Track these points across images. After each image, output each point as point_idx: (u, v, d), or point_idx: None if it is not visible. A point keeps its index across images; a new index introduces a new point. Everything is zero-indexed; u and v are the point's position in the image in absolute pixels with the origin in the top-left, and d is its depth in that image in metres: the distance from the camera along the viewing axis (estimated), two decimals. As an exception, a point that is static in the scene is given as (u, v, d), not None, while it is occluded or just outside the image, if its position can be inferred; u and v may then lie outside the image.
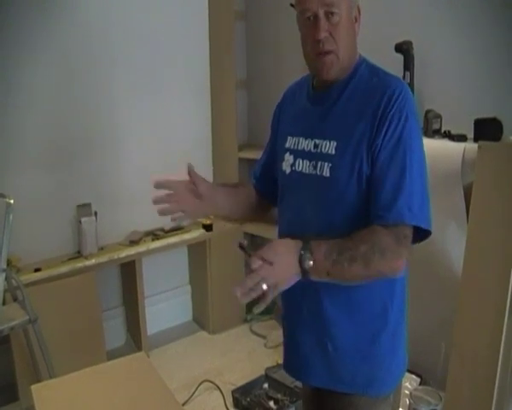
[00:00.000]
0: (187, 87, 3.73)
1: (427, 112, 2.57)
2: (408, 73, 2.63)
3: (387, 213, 1.31)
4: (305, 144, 1.49)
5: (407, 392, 2.62)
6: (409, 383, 2.69)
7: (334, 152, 1.41)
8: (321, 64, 1.42)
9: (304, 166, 1.49)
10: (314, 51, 1.41)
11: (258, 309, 1.23)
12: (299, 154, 1.51)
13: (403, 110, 1.34)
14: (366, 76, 1.44)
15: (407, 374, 2.70)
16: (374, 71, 1.46)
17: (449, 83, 2.65)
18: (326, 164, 1.41)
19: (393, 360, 1.53)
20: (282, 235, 1.57)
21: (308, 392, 1.66)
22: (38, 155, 3.14)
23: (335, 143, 1.41)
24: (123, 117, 3.45)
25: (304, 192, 1.49)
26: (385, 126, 1.33)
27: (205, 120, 3.87)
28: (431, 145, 2.44)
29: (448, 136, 2.51)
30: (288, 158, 1.54)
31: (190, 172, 1.54)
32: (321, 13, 1.36)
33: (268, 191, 1.73)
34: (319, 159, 1.44)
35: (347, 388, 1.50)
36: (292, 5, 1.44)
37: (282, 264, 1.24)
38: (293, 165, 1.53)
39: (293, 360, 1.62)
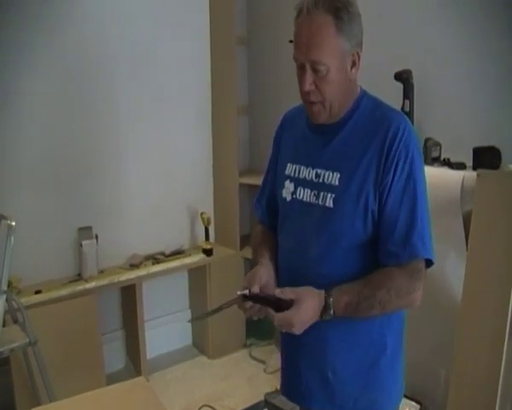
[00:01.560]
0: (188, 112, 3.78)
1: (427, 140, 2.60)
2: (407, 102, 2.67)
3: (402, 251, 1.36)
4: (306, 173, 1.49)
5: (407, 419, 2.61)
6: (408, 409, 2.67)
7: (337, 183, 1.41)
8: (309, 111, 1.45)
9: (305, 194, 1.49)
10: (303, 97, 1.43)
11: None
12: (300, 182, 1.51)
13: (409, 147, 1.37)
14: (369, 108, 1.45)
15: (407, 401, 2.69)
16: (376, 103, 1.47)
17: (448, 111, 2.68)
18: (329, 195, 1.42)
19: (393, 385, 1.56)
20: (282, 264, 1.57)
21: None
22: (39, 178, 3.16)
23: (339, 175, 1.41)
24: (124, 141, 3.48)
25: (305, 221, 1.48)
26: (393, 165, 1.36)
27: (206, 145, 3.91)
28: (430, 173, 2.45)
29: (447, 164, 2.53)
30: (289, 186, 1.54)
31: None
32: (307, 65, 1.36)
33: (274, 223, 1.67)
34: (322, 189, 1.44)
35: None
36: (291, 41, 1.43)
37: (304, 322, 1.33)
38: (293, 193, 1.52)
39: (293, 385, 1.62)
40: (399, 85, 2.67)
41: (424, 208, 1.38)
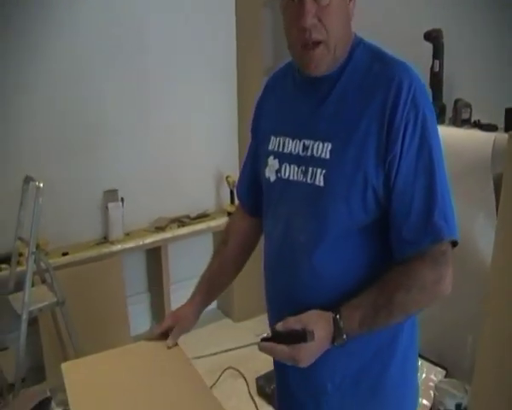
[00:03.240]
0: (213, 73, 3.72)
1: (457, 101, 2.52)
2: (437, 62, 2.58)
3: (422, 236, 1.12)
4: (293, 146, 1.25)
5: (432, 384, 2.60)
6: (434, 375, 2.66)
7: (328, 156, 1.17)
8: (308, 58, 1.17)
9: (292, 172, 1.24)
10: (300, 42, 1.16)
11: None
12: (285, 157, 1.27)
13: (418, 105, 1.12)
14: (365, 61, 1.19)
15: (433, 367, 2.68)
16: (374, 55, 1.20)
17: (479, 71, 2.58)
18: (319, 170, 1.18)
19: (405, 389, 1.33)
20: (269, 256, 1.37)
21: None
22: (65, 141, 3.17)
23: (330, 146, 1.17)
24: (151, 103, 3.46)
25: (292, 204, 1.25)
26: (400, 131, 1.11)
27: (231, 108, 3.86)
28: (460, 135, 2.41)
29: (478, 125, 2.46)
30: (273, 163, 1.30)
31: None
32: None
33: (259, 206, 1.44)
34: (310, 164, 1.20)
35: None
36: None
37: (313, 356, 1.13)
38: (278, 171, 1.28)
39: (285, 398, 1.42)
40: (429, 45, 2.58)
41: (443, 179, 1.14)
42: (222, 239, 1.59)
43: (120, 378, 1.37)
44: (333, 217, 1.17)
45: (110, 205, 3.27)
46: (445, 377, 2.63)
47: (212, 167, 3.82)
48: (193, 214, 3.66)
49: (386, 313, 1.13)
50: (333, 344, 1.13)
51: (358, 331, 1.13)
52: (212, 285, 1.56)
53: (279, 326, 1.13)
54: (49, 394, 1.38)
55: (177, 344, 1.55)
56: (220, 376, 3.11)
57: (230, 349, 1.22)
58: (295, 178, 1.24)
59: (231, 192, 3.70)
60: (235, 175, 3.82)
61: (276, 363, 1.41)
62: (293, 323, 1.12)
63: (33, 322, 2.90)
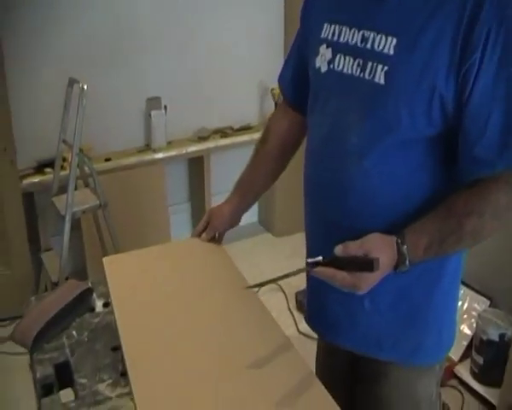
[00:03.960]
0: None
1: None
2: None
3: (497, 157, 1.00)
4: (350, 36, 1.11)
5: (474, 313, 2.54)
6: (477, 304, 2.59)
7: (392, 52, 1.03)
8: None
9: (347, 64, 1.11)
10: None
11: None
12: (340, 47, 1.13)
13: (505, 8, 0.96)
14: None
15: (476, 295, 2.61)
16: None
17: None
18: (380, 66, 1.05)
19: (444, 323, 1.26)
20: (311, 157, 1.25)
21: (333, 351, 1.39)
22: (108, 46, 3.09)
23: (395, 41, 1.03)
24: (193, 11, 3.31)
25: (345, 100, 1.13)
26: (481, 38, 0.95)
27: (278, 18, 3.66)
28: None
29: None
30: (325, 52, 1.16)
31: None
32: None
33: (304, 100, 1.31)
34: (369, 58, 1.07)
35: (385, 354, 1.23)
36: None
37: (374, 283, 1.04)
38: (331, 62, 1.15)
39: (318, 313, 1.34)
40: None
41: None
42: (261, 138, 1.49)
43: (162, 273, 1.37)
44: (392, 120, 1.06)
45: (153, 112, 3.22)
46: (489, 307, 2.56)
47: (256, 79, 3.68)
48: (236, 126, 3.58)
49: (455, 240, 1.04)
50: (395, 271, 1.05)
51: (422, 258, 1.05)
52: (251, 187, 1.51)
53: (338, 251, 1.03)
54: (90, 285, 1.38)
55: (221, 245, 1.53)
56: (259, 289, 3.10)
57: (283, 277, 1.14)
58: (350, 71, 1.11)
59: (276, 105, 3.58)
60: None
61: (310, 279, 1.34)
62: (354, 248, 1.02)
63: (76, 227, 2.94)
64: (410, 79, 1.02)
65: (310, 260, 1.06)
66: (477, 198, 1.03)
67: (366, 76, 1.07)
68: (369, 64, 1.07)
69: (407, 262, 1.03)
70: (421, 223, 1.05)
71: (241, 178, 1.51)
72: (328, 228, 1.21)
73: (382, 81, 1.04)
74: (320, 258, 1.05)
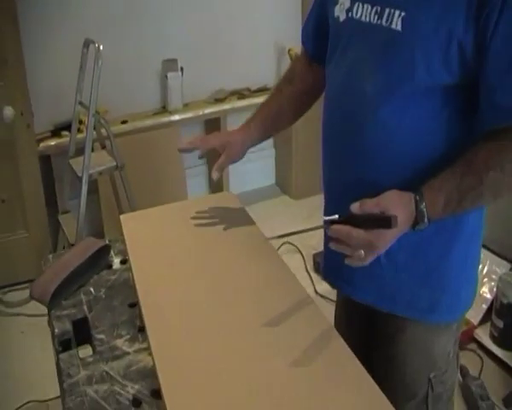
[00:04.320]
0: None
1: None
2: None
3: None
4: None
5: (494, 277, 2.50)
6: (498, 267, 2.56)
7: None
8: None
9: (364, 12, 1.08)
10: None
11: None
12: None
13: None
14: None
15: (496, 258, 2.57)
16: None
17: None
18: (397, 12, 1.01)
19: (462, 282, 1.23)
20: (329, 104, 1.22)
21: (349, 304, 1.37)
22: (125, 9, 3.06)
23: None
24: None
25: (363, 47, 1.10)
26: None
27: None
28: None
29: None
30: (344, 1, 1.14)
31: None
32: None
33: (324, 53, 1.28)
34: (387, 4, 1.03)
35: (402, 310, 1.21)
36: None
37: (390, 243, 1.00)
38: (349, 10, 1.12)
39: (334, 267, 1.30)
40: None
41: None
42: (286, 77, 1.44)
43: (180, 230, 1.36)
44: (407, 68, 1.02)
45: (169, 74, 3.18)
46: (510, 270, 2.52)
47: (273, 40, 3.62)
48: (253, 88, 3.53)
49: (475, 196, 1.01)
50: (413, 229, 1.02)
51: (441, 215, 1.02)
52: (269, 121, 1.43)
53: (355, 208, 0.99)
54: (108, 242, 1.38)
55: (237, 200, 1.51)
56: (277, 250, 3.09)
57: (297, 232, 1.13)
58: (368, 19, 1.07)
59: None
60: (297, 48, 3.61)
61: (326, 235, 1.29)
62: (371, 205, 0.99)
63: (93, 190, 2.94)
64: (427, 25, 0.98)
65: (326, 218, 1.03)
66: (497, 152, 0.99)
67: (383, 23, 1.04)
68: (387, 11, 1.03)
69: (426, 220, 1.00)
70: (440, 179, 1.01)
71: (261, 111, 1.44)
72: (345, 182, 1.19)
73: (399, 27, 1.01)
74: (336, 216, 1.02)
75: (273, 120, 1.43)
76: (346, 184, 1.18)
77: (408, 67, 1.02)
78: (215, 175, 1.36)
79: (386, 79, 1.05)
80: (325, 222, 1.03)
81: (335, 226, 1.00)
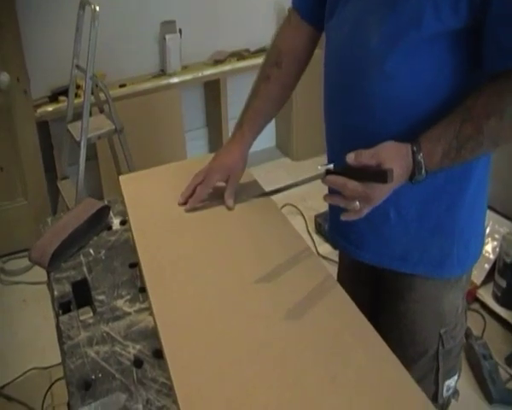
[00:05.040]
0: None
1: None
2: None
3: None
4: None
5: (498, 236, 2.49)
6: (501, 227, 2.54)
7: None
8: None
9: None
10: None
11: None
12: None
13: None
14: None
15: (499, 218, 2.56)
16: None
17: None
18: None
19: (472, 233, 1.21)
20: (331, 60, 1.18)
21: (355, 268, 1.37)
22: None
23: None
24: None
25: (365, 1, 1.06)
26: None
27: None
28: None
29: None
30: None
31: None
32: None
33: (317, 11, 1.23)
34: None
35: (412, 268, 1.20)
36: None
37: (385, 196, 0.98)
38: None
39: (340, 228, 1.27)
40: None
41: None
42: (272, 60, 1.34)
43: (179, 189, 1.32)
44: (414, 14, 0.97)
45: (168, 36, 3.13)
46: (513, 229, 2.51)
47: (272, 0, 3.54)
48: (253, 49, 3.47)
49: (474, 145, 0.97)
50: (410, 182, 0.99)
51: (439, 166, 0.98)
52: (262, 116, 1.36)
53: (350, 159, 0.95)
54: (107, 203, 1.36)
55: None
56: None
57: (293, 185, 1.11)
58: None
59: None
60: (298, 7, 3.55)
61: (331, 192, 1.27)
62: (367, 157, 0.95)
63: (92, 156, 2.91)
64: None
65: (320, 167, 1.00)
66: (497, 97, 0.95)
67: None
68: None
69: (423, 171, 0.97)
70: (438, 129, 0.98)
71: (254, 109, 1.35)
72: (347, 133, 1.16)
73: None
74: (331, 166, 0.99)
75: (266, 113, 1.36)
76: (346, 137, 1.16)
77: (415, 13, 0.96)
78: (231, 203, 1.29)
79: (393, 27, 1.00)
80: (325, 172, 1.00)
81: (330, 177, 0.98)
